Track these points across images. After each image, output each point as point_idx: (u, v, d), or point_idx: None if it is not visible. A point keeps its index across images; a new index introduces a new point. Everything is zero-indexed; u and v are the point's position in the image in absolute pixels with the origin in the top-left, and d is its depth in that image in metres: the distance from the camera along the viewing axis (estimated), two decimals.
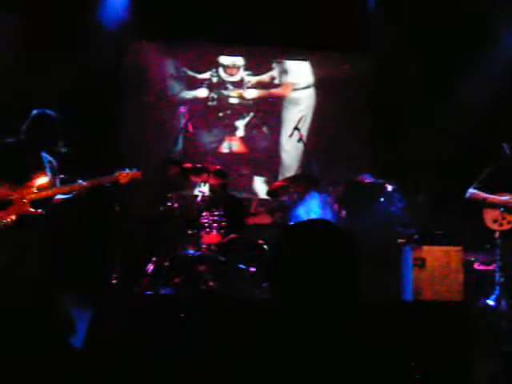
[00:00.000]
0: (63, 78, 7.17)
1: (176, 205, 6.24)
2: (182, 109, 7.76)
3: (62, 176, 5.09)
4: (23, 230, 4.70)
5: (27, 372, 4.00)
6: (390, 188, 6.35)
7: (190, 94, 8.42)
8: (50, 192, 4.85)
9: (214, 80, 8.45)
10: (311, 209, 6.17)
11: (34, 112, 4.96)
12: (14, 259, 4.72)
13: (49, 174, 4.94)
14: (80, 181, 4.94)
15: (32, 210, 4.74)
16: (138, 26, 7.83)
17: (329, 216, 6.25)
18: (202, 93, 8.42)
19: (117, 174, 5.12)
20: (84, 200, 5.59)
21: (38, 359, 4.10)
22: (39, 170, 4.89)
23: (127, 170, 5.16)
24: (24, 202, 4.73)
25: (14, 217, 4.66)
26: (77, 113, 7.32)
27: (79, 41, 7.38)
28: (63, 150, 5.02)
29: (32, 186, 4.78)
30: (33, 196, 4.75)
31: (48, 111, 4.98)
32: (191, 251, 5.98)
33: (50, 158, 5.03)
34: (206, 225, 6.03)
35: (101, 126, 7.55)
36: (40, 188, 4.81)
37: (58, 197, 4.96)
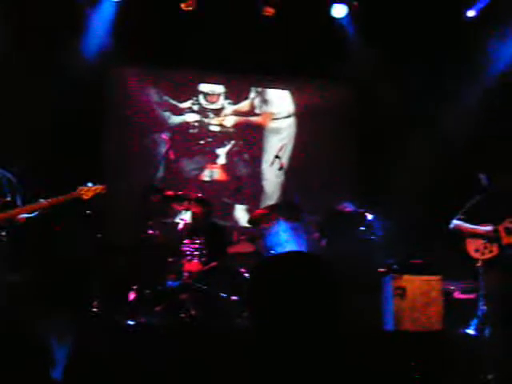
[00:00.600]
0: (44, 104, 7.17)
1: (157, 232, 6.22)
2: (164, 136, 7.76)
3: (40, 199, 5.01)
4: None
5: None
6: (370, 217, 6.41)
7: (175, 121, 8.45)
8: (11, 213, 4.78)
9: (195, 108, 8.50)
10: (286, 239, 6.20)
11: None
12: None
13: (7, 193, 4.86)
14: (41, 200, 4.87)
15: None
16: (120, 53, 7.88)
17: (306, 245, 6.30)
18: (189, 118, 8.46)
19: (78, 189, 4.99)
20: (61, 224, 5.57)
21: None
22: None
23: (90, 185, 5.03)
24: None
25: None
26: (58, 137, 7.35)
27: (60, 65, 7.39)
28: (16, 169, 4.98)
29: None
30: None
31: None
32: (172, 279, 5.95)
33: (9, 175, 4.96)
34: (188, 253, 6.01)
35: (83, 152, 7.52)
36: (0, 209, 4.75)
37: (22, 216, 4.87)
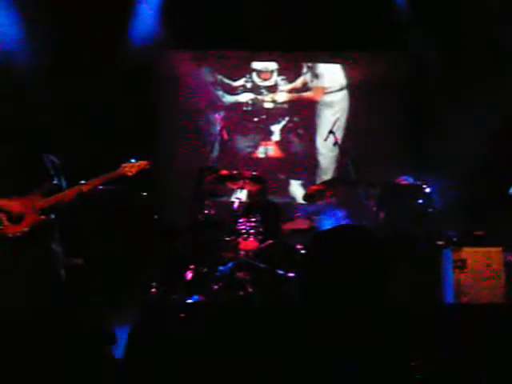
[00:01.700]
0: (98, 89, 7.31)
1: (213, 212, 6.26)
2: (217, 116, 7.79)
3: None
4: (38, 238, 4.70)
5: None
6: (428, 189, 6.25)
7: (229, 100, 8.47)
8: (57, 197, 4.77)
9: (249, 85, 8.49)
10: (340, 214, 6.15)
11: None
12: (33, 267, 4.69)
13: (53, 176, 4.85)
14: (83, 181, 4.82)
15: (43, 217, 4.72)
16: (170, 36, 7.92)
17: (360, 219, 6.24)
18: (242, 98, 8.46)
19: (122, 166, 4.92)
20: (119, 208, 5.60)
21: (81, 370, 4.18)
22: (43, 176, 4.83)
23: (133, 161, 4.95)
24: (35, 212, 4.71)
25: (26, 228, 4.67)
26: (113, 122, 7.48)
27: (112, 51, 7.51)
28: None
29: (39, 194, 4.74)
30: (41, 203, 4.72)
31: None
32: (229, 257, 5.99)
33: (52, 157, 4.95)
34: (244, 231, 6.02)
35: (137, 135, 7.65)
36: (47, 194, 4.76)
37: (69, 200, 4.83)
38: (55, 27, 7.27)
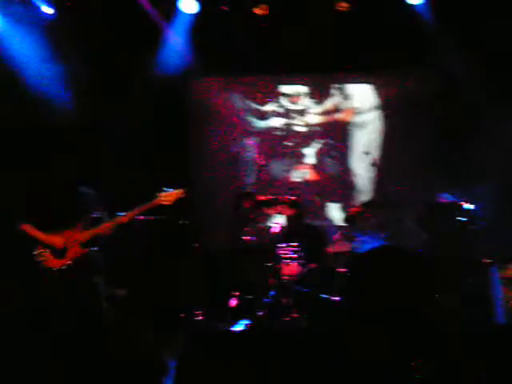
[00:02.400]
0: (129, 118, 7.39)
1: (253, 238, 6.25)
2: (250, 141, 7.81)
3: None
4: (85, 268, 4.86)
5: None
6: (470, 206, 6.17)
7: (260, 125, 8.49)
8: (99, 228, 4.91)
9: (279, 110, 8.50)
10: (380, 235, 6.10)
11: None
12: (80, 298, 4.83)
13: (93, 208, 4.98)
14: (121, 213, 4.93)
15: (85, 249, 4.86)
16: (199, 63, 8.00)
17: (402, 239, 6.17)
18: (274, 122, 8.48)
19: (158, 196, 4.98)
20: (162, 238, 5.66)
21: None
22: (81, 208, 4.96)
23: (170, 190, 5.01)
24: (76, 245, 4.84)
25: (69, 262, 4.81)
26: (146, 153, 7.54)
27: (142, 79, 7.60)
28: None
29: (79, 227, 4.87)
30: (82, 236, 4.85)
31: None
32: (272, 283, 5.95)
33: (91, 191, 5.07)
34: (285, 256, 6.00)
35: (172, 164, 7.69)
36: (87, 227, 4.89)
37: (109, 231, 4.99)
38: (86, 56, 7.39)
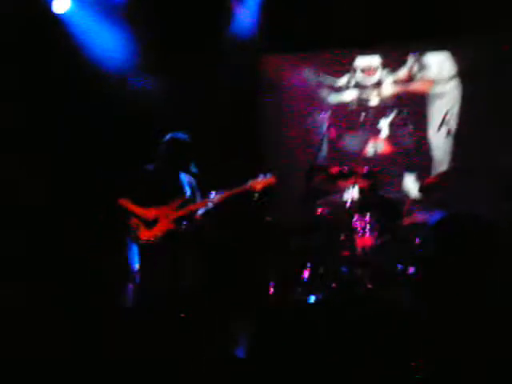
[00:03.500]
0: (201, 94, 7.47)
1: (326, 210, 6.19)
2: (323, 114, 7.73)
3: (212, 192, 5.29)
4: (173, 243, 5.19)
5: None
6: None
7: (334, 99, 8.38)
8: (189, 208, 5.24)
9: (353, 83, 8.35)
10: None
11: (168, 137, 5.30)
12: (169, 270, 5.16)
13: (188, 192, 5.21)
14: (214, 194, 5.24)
15: (176, 226, 5.19)
16: (270, 39, 7.96)
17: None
18: (347, 96, 8.35)
19: (250, 182, 5.26)
20: (235, 213, 5.74)
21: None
22: (178, 190, 5.31)
23: (261, 177, 5.27)
24: (168, 220, 5.17)
25: (159, 233, 5.14)
26: (218, 127, 7.60)
27: (215, 57, 7.64)
28: (194, 170, 5.29)
29: (173, 205, 5.20)
30: (174, 214, 5.18)
31: (180, 134, 5.33)
32: (346, 256, 5.89)
33: (189, 178, 5.41)
34: (359, 228, 5.93)
35: (243, 138, 7.74)
36: (180, 206, 5.22)
37: (199, 212, 5.32)
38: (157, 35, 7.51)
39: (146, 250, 5.21)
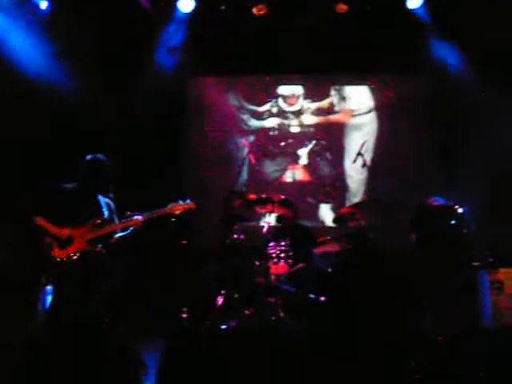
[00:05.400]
0: (124, 116, 7.38)
1: (242, 236, 6.21)
2: (244, 141, 7.81)
3: (129, 213, 5.25)
4: (86, 264, 5.09)
5: None
6: (460, 210, 6.13)
7: (256, 124, 8.48)
8: (106, 229, 5.18)
9: (274, 110, 8.49)
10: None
11: (88, 158, 5.25)
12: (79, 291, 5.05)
13: (106, 214, 5.23)
14: (135, 217, 5.19)
15: (91, 246, 5.11)
16: (196, 63, 8.00)
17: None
18: (269, 122, 8.46)
19: (170, 206, 5.29)
20: (149, 236, 5.71)
21: None
22: (96, 211, 5.24)
23: (180, 202, 5.31)
24: (83, 240, 5.09)
25: (72, 253, 5.08)
26: (139, 149, 7.53)
27: (139, 77, 7.59)
28: (111, 194, 5.28)
29: (90, 226, 5.14)
30: (91, 234, 5.11)
31: (100, 156, 5.26)
32: (260, 282, 5.92)
33: (107, 200, 5.37)
34: (274, 255, 5.97)
35: (164, 161, 7.70)
36: (97, 227, 5.15)
37: (117, 235, 5.27)
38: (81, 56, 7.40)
39: (58, 270, 5.09)
